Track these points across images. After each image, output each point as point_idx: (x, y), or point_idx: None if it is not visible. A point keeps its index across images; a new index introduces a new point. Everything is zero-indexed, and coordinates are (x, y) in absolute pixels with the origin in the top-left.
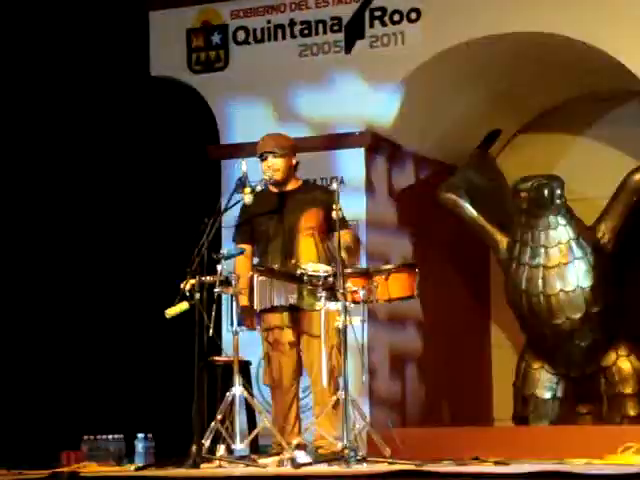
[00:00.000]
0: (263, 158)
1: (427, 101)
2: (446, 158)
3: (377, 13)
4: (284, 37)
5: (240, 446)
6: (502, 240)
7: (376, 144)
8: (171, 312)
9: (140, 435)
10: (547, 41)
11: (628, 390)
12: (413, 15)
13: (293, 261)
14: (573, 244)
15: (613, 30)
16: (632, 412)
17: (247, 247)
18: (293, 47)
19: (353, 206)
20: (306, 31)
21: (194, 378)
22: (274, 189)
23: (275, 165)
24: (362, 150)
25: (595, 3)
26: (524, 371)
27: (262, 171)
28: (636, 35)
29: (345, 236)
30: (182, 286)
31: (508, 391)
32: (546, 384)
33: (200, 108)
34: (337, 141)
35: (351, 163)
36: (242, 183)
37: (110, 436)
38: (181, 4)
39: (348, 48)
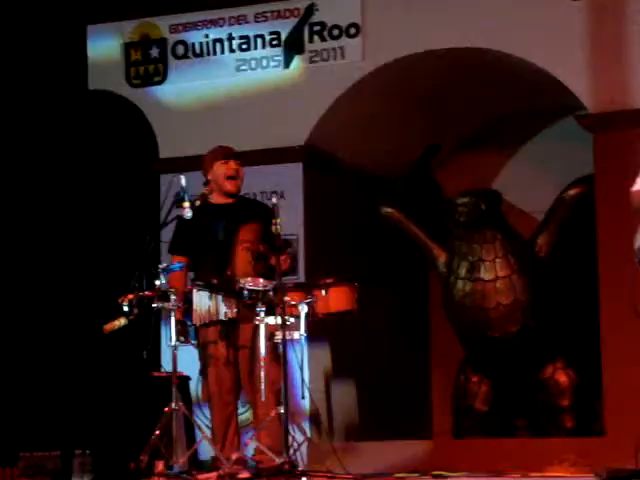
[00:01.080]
0: (220, 165)
1: (365, 116)
2: (385, 173)
3: (316, 28)
4: (223, 51)
5: (179, 462)
6: (441, 254)
7: (315, 159)
8: (109, 327)
9: (77, 451)
10: (483, 57)
11: (565, 403)
12: (352, 30)
13: (229, 273)
14: (510, 258)
15: (549, 46)
16: (569, 425)
17: (184, 260)
18: (231, 61)
19: (292, 220)
20: (245, 46)
21: (133, 393)
22: (215, 202)
23: (239, 172)
24: (301, 165)
25: (531, 20)
26: (463, 384)
27: (222, 176)
28: (571, 51)
29: (283, 251)
30: (120, 301)
31: (448, 404)
32: (484, 397)
33: (139, 122)
34: (276, 155)
35: (290, 177)
36: (181, 198)
37: (47, 453)
38: (119, 18)
39: (287, 63)
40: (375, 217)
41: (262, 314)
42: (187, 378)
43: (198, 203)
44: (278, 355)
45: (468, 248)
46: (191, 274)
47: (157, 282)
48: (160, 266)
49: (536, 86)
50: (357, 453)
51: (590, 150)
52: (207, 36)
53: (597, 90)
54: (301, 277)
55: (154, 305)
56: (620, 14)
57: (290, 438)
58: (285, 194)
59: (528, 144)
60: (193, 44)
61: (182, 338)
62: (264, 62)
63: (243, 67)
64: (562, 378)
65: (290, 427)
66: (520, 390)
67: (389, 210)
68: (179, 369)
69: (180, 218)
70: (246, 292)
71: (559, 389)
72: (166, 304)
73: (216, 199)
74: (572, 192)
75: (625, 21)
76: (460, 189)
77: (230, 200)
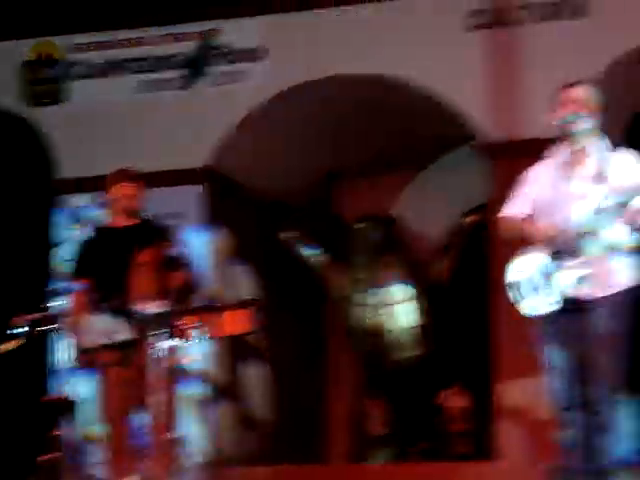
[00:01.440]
0: (120, 186)
1: (267, 140)
2: (285, 198)
3: (219, 51)
4: (123, 72)
5: None
6: (339, 279)
7: (215, 181)
8: (1, 349)
9: None
10: (385, 85)
11: (460, 428)
12: (255, 54)
13: (125, 297)
14: (410, 283)
15: (449, 76)
16: (463, 449)
17: (84, 282)
18: (132, 83)
19: (192, 243)
20: (146, 67)
21: (22, 418)
22: (115, 224)
23: (136, 194)
24: (201, 187)
25: (432, 50)
26: (360, 409)
27: (121, 198)
28: (470, 82)
29: (181, 274)
30: (12, 323)
31: (345, 429)
32: (381, 422)
33: (36, 142)
34: (176, 177)
35: (190, 200)
36: (77, 218)
37: None
38: (17, 37)
39: (189, 85)
40: (276, 242)
41: (159, 337)
42: (77, 402)
43: (97, 224)
44: (174, 378)
45: (367, 273)
46: (93, 295)
47: (52, 304)
48: (58, 287)
49: (436, 114)
50: (253, 477)
51: (487, 178)
52: (108, 57)
53: (494, 120)
54: (199, 300)
55: (47, 327)
56: (517, 47)
57: (183, 461)
58: (185, 216)
59: (427, 171)
60: (93, 64)
61: (77, 361)
62: (165, 84)
63: (144, 88)
64: (457, 403)
65: (182, 452)
66: (417, 415)
67: (288, 235)
68: (74, 392)
69: (82, 240)
70: (142, 315)
71: (454, 414)
72: (60, 326)
73: (116, 221)
74: (470, 219)
75: (521, 54)
76: (360, 215)
77: (130, 222)
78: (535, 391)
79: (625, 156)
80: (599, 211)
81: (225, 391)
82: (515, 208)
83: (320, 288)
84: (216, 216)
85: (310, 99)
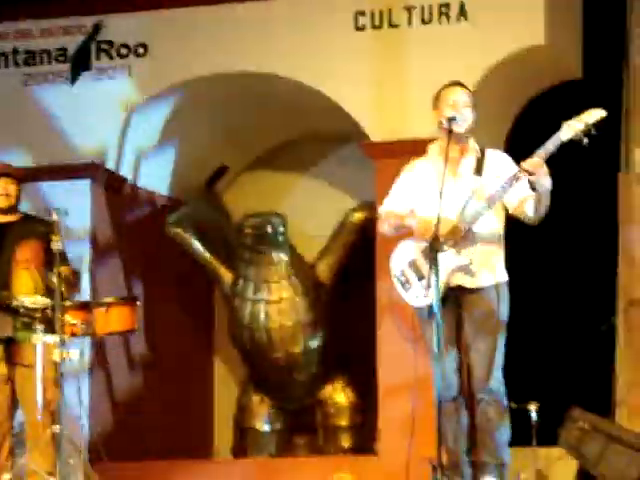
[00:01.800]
0: (3, 178)
1: (153, 135)
2: (174, 193)
3: (104, 46)
4: (7, 65)
5: None
6: (226, 275)
7: (101, 176)
8: None
9: None
10: (272, 82)
11: (343, 422)
12: (140, 50)
13: (5, 293)
14: (294, 280)
15: (335, 75)
16: (346, 444)
17: None
18: (18, 76)
19: (77, 239)
20: (31, 60)
21: None
22: None
23: (8, 190)
24: (88, 182)
25: (318, 48)
26: (244, 404)
27: None
28: (356, 81)
29: (64, 270)
30: None
31: (229, 424)
32: (265, 417)
33: None
34: (62, 172)
35: (76, 195)
36: None
37: None
38: None
39: (73, 79)
40: (164, 237)
41: (40, 333)
42: None
43: None
44: (56, 374)
45: (254, 270)
46: None
47: None
48: None
49: (324, 113)
50: (136, 472)
51: (374, 176)
52: None
53: (379, 119)
54: (85, 296)
55: None
56: (403, 48)
57: (64, 458)
58: (72, 211)
59: (314, 169)
60: None
61: None
62: (50, 77)
63: (30, 82)
64: (341, 398)
65: (65, 447)
66: (300, 409)
67: (176, 230)
68: None
69: None
70: (23, 310)
71: (338, 409)
72: None
73: None
74: (355, 217)
75: (407, 55)
76: (247, 211)
77: (10, 217)
78: (419, 385)
79: (500, 154)
80: (475, 205)
81: (107, 387)
82: (395, 203)
83: (208, 284)
84: (103, 211)
85: (197, 95)
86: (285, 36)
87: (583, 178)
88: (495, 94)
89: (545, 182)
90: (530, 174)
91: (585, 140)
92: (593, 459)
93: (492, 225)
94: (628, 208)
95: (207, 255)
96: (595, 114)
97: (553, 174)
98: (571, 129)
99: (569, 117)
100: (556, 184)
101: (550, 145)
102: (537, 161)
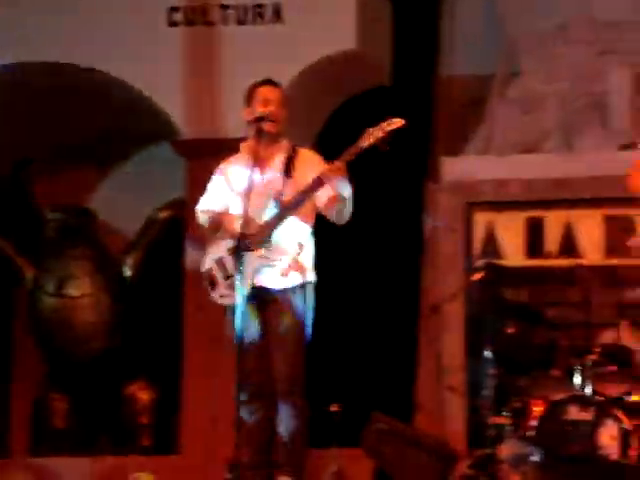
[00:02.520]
0: None
1: None
2: None
3: None
4: None
5: None
6: (28, 269)
7: None
8: None
9: None
10: (82, 74)
11: (144, 421)
12: None
13: None
14: (98, 276)
15: (146, 70)
16: (146, 442)
17: None
18: None
19: None
20: None
21: None
22: None
23: None
24: None
25: (130, 42)
26: (43, 401)
27: None
28: (168, 77)
29: None
30: None
31: (27, 423)
32: (64, 415)
33: None
34: None
35: None
36: None
37: None
38: None
39: None
40: None
41: None
42: None
43: None
44: None
45: (57, 264)
46: None
47: None
48: None
49: (135, 109)
50: None
51: (184, 174)
52: None
53: (191, 117)
54: None
55: None
56: (217, 47)
57: None
58: None
59: (124, 164)
60: None
61: None
62: None
63: None
64: (143, 396)
65: None
66: (103, 407)
67: None
68: None
69: None
70: None
71: (139, 406)
72: None
73: None
74: (161, 214)
75: (221, 54)
76: (54, 204)
77: None
78: (221, 385)
79: (312, 154)
80: (284, 205)
81: None
82: (209, 202)
83: (8, 277)
84: None
85: (2, 84)
86: (97, 27)
87: (396, 185)
88: (306, 96)
89: (343, 190)
90: (330, 180)
91: (386, 148)
92: (390, 460)
93: (300, 225)
94: (434, 216)
95: (8, 248)
96: (394, 123)
97: (366, 180)
98: (371, 136)
99: (378, 123)
100: (367, 190)
101: (351, 151)
102: (338, 166)
